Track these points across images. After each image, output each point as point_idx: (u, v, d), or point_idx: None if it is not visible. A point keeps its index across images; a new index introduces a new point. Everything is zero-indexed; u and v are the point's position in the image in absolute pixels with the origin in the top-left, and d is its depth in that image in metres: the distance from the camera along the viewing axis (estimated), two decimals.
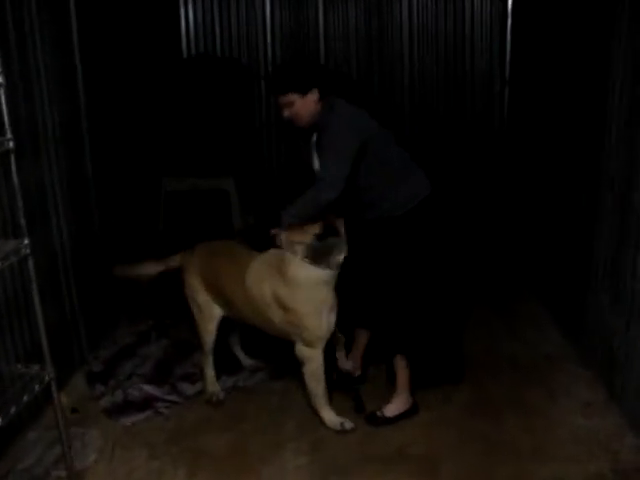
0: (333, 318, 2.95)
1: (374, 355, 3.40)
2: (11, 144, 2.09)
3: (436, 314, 3.18)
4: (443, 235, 3.13)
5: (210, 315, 3.23)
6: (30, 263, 2.21)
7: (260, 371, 3.56)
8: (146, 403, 3.27)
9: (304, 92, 2.87)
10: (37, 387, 2.26)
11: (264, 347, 3.55)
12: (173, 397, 3.33)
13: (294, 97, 2.87)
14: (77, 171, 3.72)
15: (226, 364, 3.52)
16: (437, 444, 2.90)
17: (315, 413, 3.08)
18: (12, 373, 2.33)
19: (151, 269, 3.40)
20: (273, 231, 2.91)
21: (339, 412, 3.07)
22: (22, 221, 2.19)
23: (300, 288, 2.86)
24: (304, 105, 2.89)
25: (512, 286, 4.74)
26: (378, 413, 3.06)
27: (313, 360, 2.97)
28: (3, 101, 2.10)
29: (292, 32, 5.67)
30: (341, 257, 2.86)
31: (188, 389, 3.40)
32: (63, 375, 3.38)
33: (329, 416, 3.03)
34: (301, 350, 2.98)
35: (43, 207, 3.36)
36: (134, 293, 4.31)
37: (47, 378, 2.30)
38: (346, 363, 3.28)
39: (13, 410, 2.13)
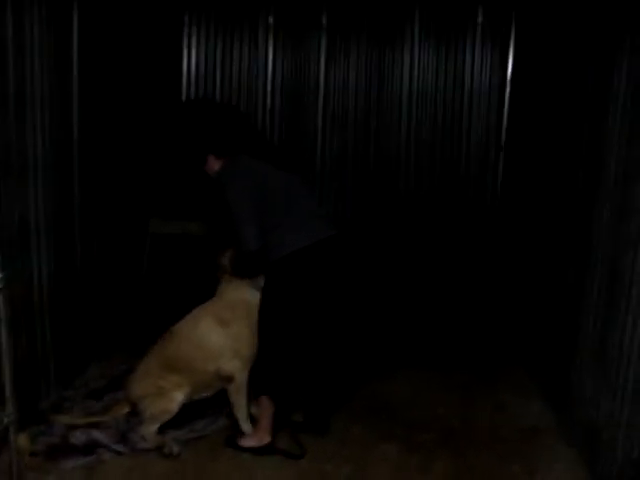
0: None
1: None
2: None
3: (302, 362, 3.32)
4: (316, 286, 3.22)
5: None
6: (1, 299, 2.12)
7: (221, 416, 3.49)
8: (88, 448, 3.12)
9: (203, 162, 3.25)
10: None
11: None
12: (119, 447, 3.16)
13: (203, 166, 3.27)
14: (63, 204, 3.65)
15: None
16: None
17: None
18: None
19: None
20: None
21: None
22: None
23: (239, 307, 3.28)
24: (210, 168, 3.28)
25: (498, 354, 4.66)
26: (236, 439, 3.26)
27: (242, 375, 3.27)
28: None
29: (292, 83, 5.71)
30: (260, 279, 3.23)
31: (140, 442, 3.22)
32: (27, 415, 3.25)
33: (248, 427, 3.30)
34: (233, 368, 3.26)
35: (25, 238, 3.28)
36: (109, 334, 4.21)
37: (6, 421, 2.19)
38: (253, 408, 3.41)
39: None
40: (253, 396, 3.32)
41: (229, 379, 3.29)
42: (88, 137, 3.86)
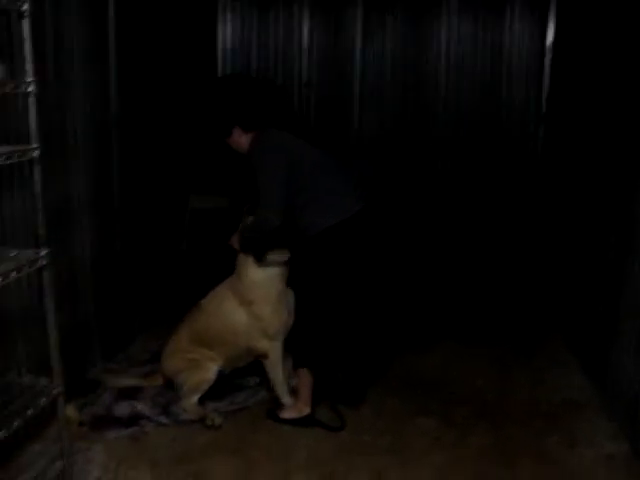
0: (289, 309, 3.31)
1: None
2: (35, 153, 2.07)
3: (340, 334, 3.33)
4: (353, 259, 3.23)
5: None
6: (46, 275, 2.18)
7: (263, 389, 3.55)
8: (132, 420, 3.21)
9: (228, 135, 3.25)
10: (44, 401, 2.22)
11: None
12: (162, 418, 3.25)
13: (227, 138, 3.28)
14: (103, 182, 3.72)
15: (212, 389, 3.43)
16: None
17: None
18: (21, 384, 2.30)
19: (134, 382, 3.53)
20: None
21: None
22: (41, 231, 2.17)
23: (256, 285, 3.26)
24: (235, 142, 3.28)
25: (537, 327, 4.62)
26: (277, 411, 3.31)
27: (274, 351, 3.30)
28: (32, 109, 2.08)
29: (328, 58, 5.66)
30: (277, 256, 3.21)
31: (182, 414, 3.30)
32: (73, 387, 3.35)
33: (288, 400, 3.33)
34: (264, 346, 3.29)
35: (67, 217, 3.36)
36: (152, 309, 4.29)
37: (54, 392, 2.26)
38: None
39: (17, 423, 2.09)
40: (293, 368, 3.38)
41: (264, 356, 3.34)
42: (127, 115, 3.90)
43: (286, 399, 3.35)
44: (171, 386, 3.44)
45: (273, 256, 3.24)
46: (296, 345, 3.31)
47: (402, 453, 3.04)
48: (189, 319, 3.47)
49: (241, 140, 3.26)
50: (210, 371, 3.35)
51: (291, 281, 3.35)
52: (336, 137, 5.61)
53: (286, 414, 3.29)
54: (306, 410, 3.27)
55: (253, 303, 3.27)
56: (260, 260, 3.24)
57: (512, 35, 5.50)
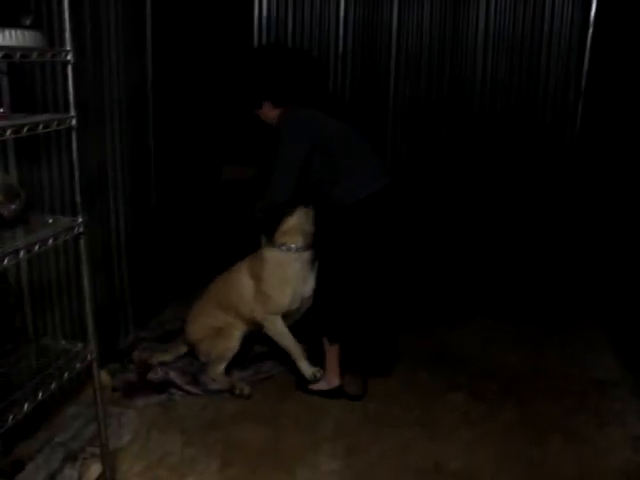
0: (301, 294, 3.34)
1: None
2: (73, 122, 2.09)
3: (367, 304, 3.33)
4: (379, 233, 3.22)
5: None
6: (82, 242, 2.21)
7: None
8: (162, 387, 3.28)
9: (258, 106, 3.24)
10: (79, 365, 2.26)
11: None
12: (191, 388, 3.31)
13: (256, 110, 3.28)
14: (139, 151, 3.75)
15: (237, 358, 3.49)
16: (476, 461, 2.81)
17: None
18: (57, 348, 2.34)
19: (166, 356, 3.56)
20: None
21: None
22: (78, 199, 2.19)
23: (267, 264, 3.33)
24: (264, 114, 3.28)
25: (571, 306, 4.57)
26: (305, 382, 3.33)
27: (273, 325, 3.35)
28: (70, 78, 2.09)
29: (365, 28, 5.59)
30: (296, 242, 3.29)
31: (210, 383, 3.35)
32: (107, 353, 3.42)
33: (304, 366, 3.35)
34: (262, 319, 3.36)
35: (103, 185, 3.40)
36: (184, 278, 4.34)
37: (89, 357, 2.31)
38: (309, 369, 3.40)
39: (53, 386, 2.14)
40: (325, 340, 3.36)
41: (263, 327, 3.40)
42: (162, 85, 3.91)
43: (303, 365, 3.36)
44: (194, 354, 3.52)
45: (284, 239, 3.30)
46: (323, 317, 3.32)
47: (430, 427, 3.06)
48: (212, 288, 3.57)
49: (270, 114, 3.24)
50: (234, 339, 3.42)
51: (318, 252, 3.36)
52: (370, 110, 5.56)
53: (315, 386, 3.32)
54: (335, 382, 3.30)
55: (262, 280, 3.33)
56: (268, 238, 3.35)
57: (553, 7, 5.37)
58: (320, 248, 3.33)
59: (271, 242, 3.35)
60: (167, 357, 3.53)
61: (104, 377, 3.14)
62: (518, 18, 5.43)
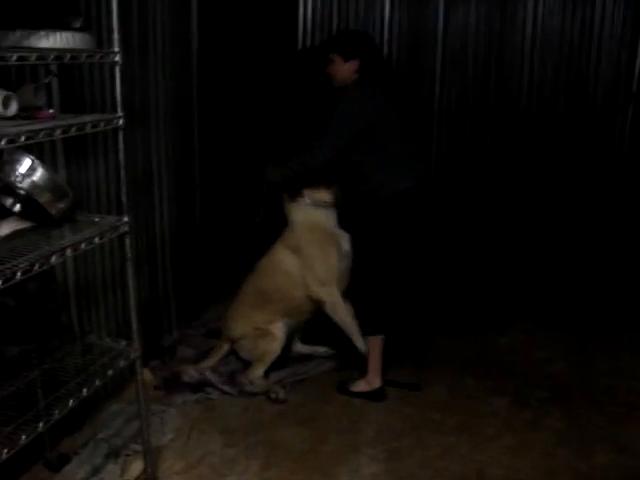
0: (344, 254, 3.36)
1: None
2: (120, 121, 2.12)
3: (402, 295, 3.30)
4: (416, 227, 3.22)
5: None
6: (127, 241, 2.24)
7: (329, 360, 3.60)
8: (198, 386, 3.29)
9: (346, 58, 3.19)
10: (122, 363, 2.29)
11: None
12: (227, 387, 3.31)
13: (338, 58, 3.21)
14: (184, 151, 3.78)
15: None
16: (519, 469, 2.75)
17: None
18: (101, 346, 2.38)
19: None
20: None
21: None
22: (124, 198, 2.22)
23: (301, 229, 3.35)
24: (342, 68, 3.22)
25: (621, 313, 4.45)
26: (346, 385, 3.31)
27: (331, 295, 3.32)
28: (118, 79, 2.12)
29: (410, 29, 5.56)
30: (318, 195, 3.32)
31: (247, 385, 3.34)
32: (150, 350, 3.46)
33: (360, 343, 3.32)
34: (318, 292, 3.32)
35: (148, 185, 3.44)
36: (227, 278, 4.36)
37: (133, 355, 2.33)
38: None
39: (97, 383, 2.17)
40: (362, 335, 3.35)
41: (321, 303, 3.37)
42: (207, 85, 3.95)
43: (359, 343, 3.34)
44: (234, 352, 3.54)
45: (312, 195, 3.32)
46: (365, 312, 3.29)
47: (471, 433, 3.01)
48: (248, 282, 3.57)
49: (341, 69, 3.22)
50: (276, 340, 3.40)
51: (354, 243, 3.37)
52: (414, 112, 5.52)
53: (357, 387, 3.30)
54: (377, 383, 3.27)
55: (301, 248, 3.33)
56: (293, 196, 3.36)
57: (604, 6, 5.25)
58: (355, 238, 3.33)
59: (296, 200, 3.36)
60: (210, 362, 3.52)
61: (147, 375, 3.19)
62: (567, 18, 5.32)
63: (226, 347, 3.58)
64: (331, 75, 3.28)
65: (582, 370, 3.62)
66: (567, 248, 5.32)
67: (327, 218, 3.37)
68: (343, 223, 3.45)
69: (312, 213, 3.36)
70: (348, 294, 3.45)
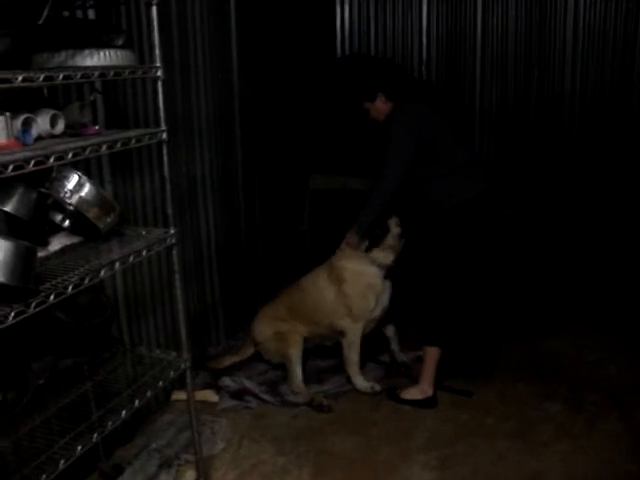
0: (381, 304, 3.43)
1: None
2: (164, 135, 2.15)
3: (466, 307, 3.27)
4: (481, 237, 3.20)
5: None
6: (174, 253, 2.27)
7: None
8: (238, 394, 3.32)
9: (372, 99, 3.27)
10: (172, 373, 2.31)
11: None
12: (268, 397, 3.32)
13: (367, 104, 3.30)
14: (227, 164, 3.82)
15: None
16: (575, 475, 2.70)
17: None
18: (151, 357, 2.41)
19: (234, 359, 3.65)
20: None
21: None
22: (169, 211, 2.25)
23: (351, 272, 3.41)
24: (376, 108, 3.29)
25: None
26: (397, 391, 3.31)
27: (354, 332, 3.39)
28: (161, 94, 2.16)
29: (448, 33, 5.52)
30: (383, 256, 3.37)
31: (289, 395, 3.35)
32: (198, 361, 3.49)
33: (360, 381, 3.39)
34: (346, 325, 3.40)
35: (193, 197, 3.48)
36: (275, 288, 4.37)
37: (183, 366, 2.35)
38: (401, 355, 3.62)
39: (149, 394, 2.19)
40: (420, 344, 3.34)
41: (342, 334, 3.43)
42: (248, 96, 3.98)
43: (357, 380, 3.40)
44: (259, 356, 3.61)
45: (378, 254, 3.37)
46: (426, 322, 3.27)
47: (525, 439, 2.96)
48: (287, 293, 3.64)
49: (382, 107, 3.28)
50: (295, 344, 3.44)
51: (414, 253, 3.37)
52: (456, 115, 5.48)
53: (407, 395, 3.28)
54: (429, 392, 3.24)
55: (344, 282, 3.40)
56: (368, 251, 3.37)
57: None
58: (420, 249, 3.33)
59: (364, 255, 3.38)
60: (236, 358, 3.63)
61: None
62: (609, 15, 5.22)
63: (251, 349, 3.66)
64: (375, 119, 3.34)
65: (635, 371, 3.52)
66: (614, 249, 5.20)
67: (379, 274, 3.42)
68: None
69: (367, 269, 3.41)
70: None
